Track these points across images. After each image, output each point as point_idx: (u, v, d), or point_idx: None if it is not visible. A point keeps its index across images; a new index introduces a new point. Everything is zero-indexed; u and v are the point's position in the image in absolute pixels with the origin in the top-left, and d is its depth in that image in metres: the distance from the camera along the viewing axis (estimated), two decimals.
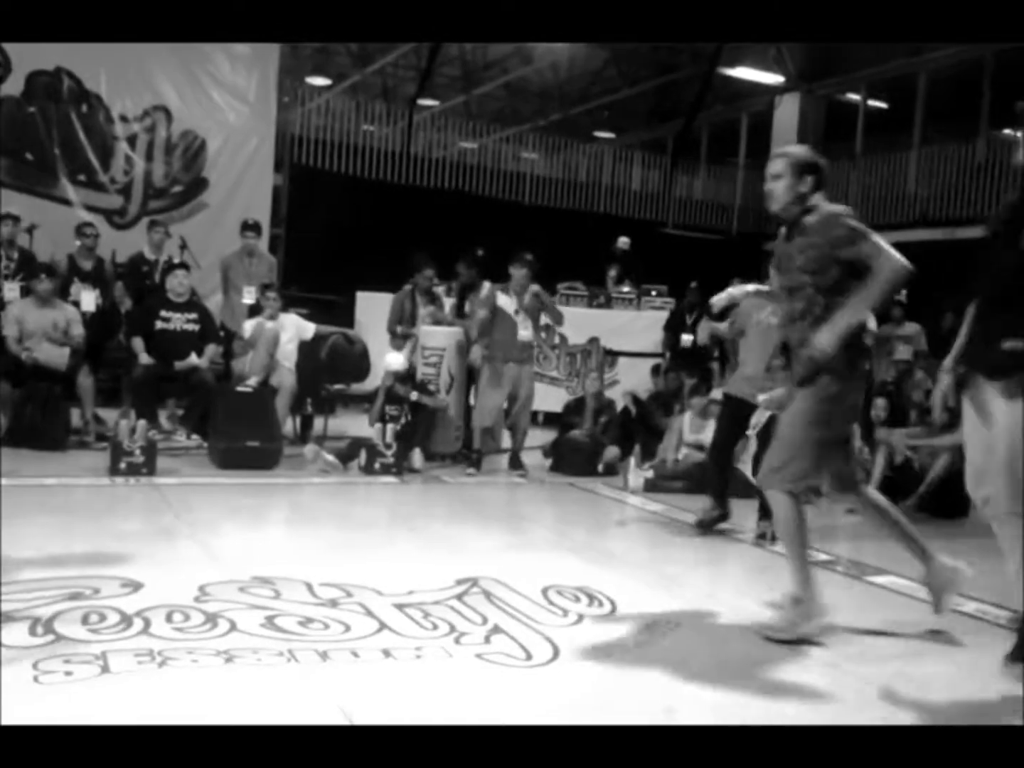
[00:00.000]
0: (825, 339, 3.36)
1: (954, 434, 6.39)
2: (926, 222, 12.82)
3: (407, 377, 6.89)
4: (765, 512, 5.29)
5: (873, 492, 3.86)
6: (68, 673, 2.66)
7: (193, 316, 7.22)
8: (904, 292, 9.84)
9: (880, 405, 7.01)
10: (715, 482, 5.62)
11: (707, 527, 5.44)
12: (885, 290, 3.40)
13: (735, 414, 5.57)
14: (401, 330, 7.52)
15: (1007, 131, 12.71)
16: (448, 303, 8.50)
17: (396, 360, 6.94)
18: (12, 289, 7.15)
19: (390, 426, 6.52)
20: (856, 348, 3.50)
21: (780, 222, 3.65)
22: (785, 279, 3.58)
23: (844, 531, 6.09)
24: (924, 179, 13.22)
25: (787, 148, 3.71)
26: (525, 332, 6.93)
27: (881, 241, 3.41)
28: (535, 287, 6.97)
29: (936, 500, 6.22)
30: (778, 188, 3.53)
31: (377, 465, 6.37)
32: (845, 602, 4.13)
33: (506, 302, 6.94)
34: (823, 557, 4.87)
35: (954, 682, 3.18)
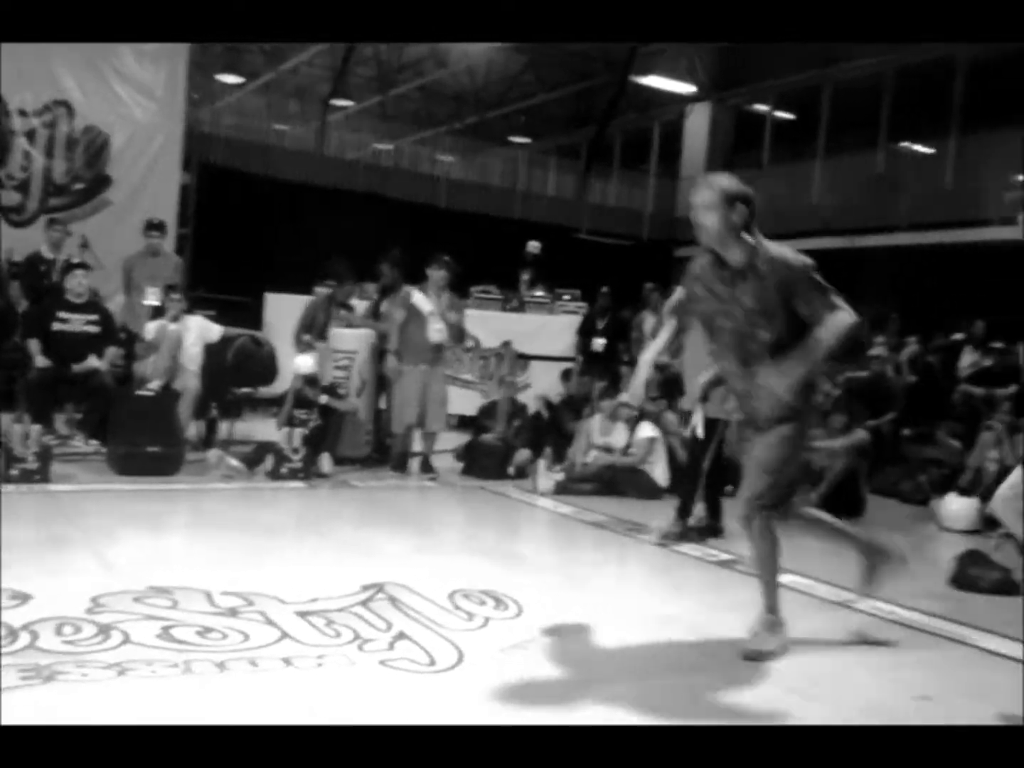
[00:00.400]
0: (784, 388, 3.26)
1: (851, 436, 6.63)
2: (829, 231, 13.24)
3: (316, 380, 6.80)
4: (682, 512, 5.42)
5: (807, 510, 3.79)
6: None
7: (93, 317, 6.98)
8: None
9: None
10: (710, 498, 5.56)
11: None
12: (837, 343, 3.26)
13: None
14: (307, 339, 7.40)
15: (905, 144, 13.25)
16: (362, 305, 8.44)
17: (306, 363, 6.84)
18: None
19: (298, 430, 6.42)
20: (812, 387, 3.50)
21: (713, 252, 3.40)
22: (732, 323, 3.36)
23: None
24: (827, 189, 13.65)
25: (713, 177, 3.42)
26: (438, 334, 6.91)
27: (835, 296, 3.33)
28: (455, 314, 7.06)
29: (834, 500, 6.42)
30: (710, 220, 3.30)
31: (284, 470, 6.26)
32: (746, 599, 4.25)
33: (422, 303, 6.92)
34: (725, 557, 4.99)
35: (842, 676, 3.29)
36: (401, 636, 3.31)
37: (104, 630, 3.09)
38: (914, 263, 11.48)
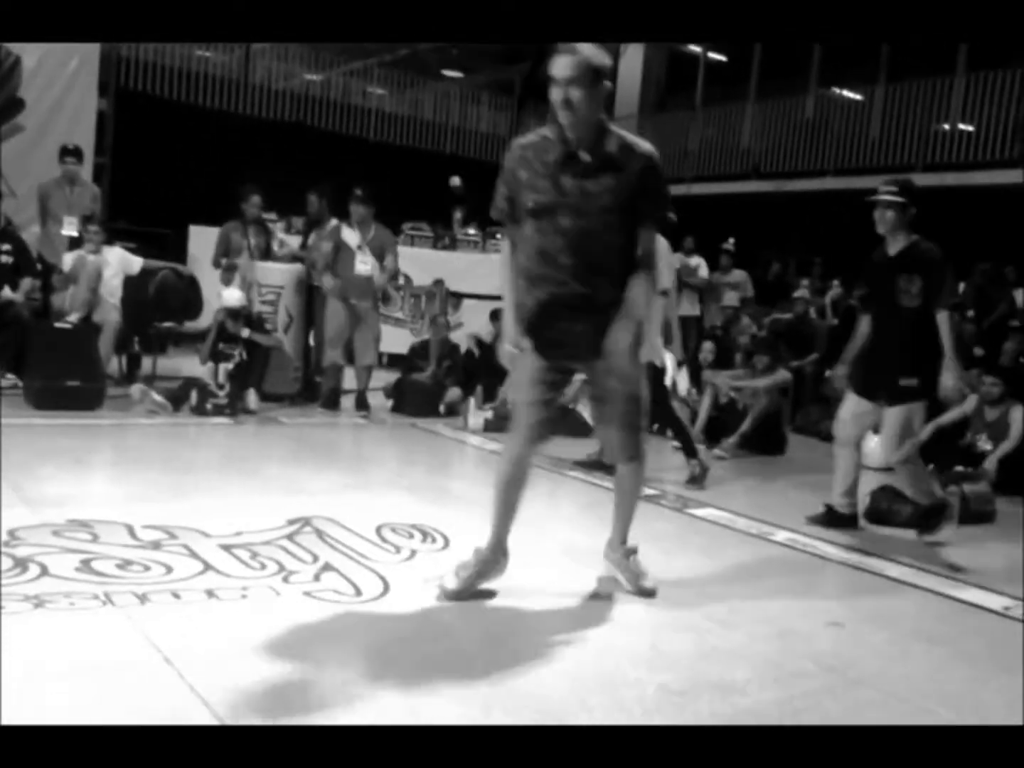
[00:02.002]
0: (654, 350, 3.23)
1: (773, 377, 6.77)
2: (758, 174, 13.35)
3: (241, 314, 6.66)
4: (690, 452, 5.54)
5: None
6: None
7: (6, 247, 6.74)
8: (732, 241, 10.29)
9: (707, 348, 7.32)
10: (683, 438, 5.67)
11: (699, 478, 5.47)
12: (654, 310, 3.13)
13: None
14: (225, 263, 7.22)
15: (834, 89, 13.35)
16: (292, 240, 8.27)
17: (232, 296, 6.69)
18: None
19: (223, 365, 6.31)
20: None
21: (566, 143, 2.93)
22: (579, 222, 2.92)
23: (674, 469, 6.37)
24: (758, 133, 13.73)
25: (580, 47, 2.84)
26: (364, 267, 6.82)
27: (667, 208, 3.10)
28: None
29: (756, 438, 6.58)
30: (578, 98, 2.81)
31: (209, 406, 6.16)
32: (669, 531, 4.36)
33: (349, 236, 6.83)
34: (649, 492, 5.09)
35: (759, 603, 3.40)
36: (327, 568, 3.32)
37: (21, 563, 3.03)
38: (840, 208, 11.66)
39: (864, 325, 4.67)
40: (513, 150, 3.03)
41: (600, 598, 3.32)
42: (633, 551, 3.43)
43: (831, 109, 13.02)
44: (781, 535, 4.40)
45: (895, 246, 4.47)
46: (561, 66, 2.84)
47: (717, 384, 6.88)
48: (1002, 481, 5.78)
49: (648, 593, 3.32)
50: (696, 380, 7.15)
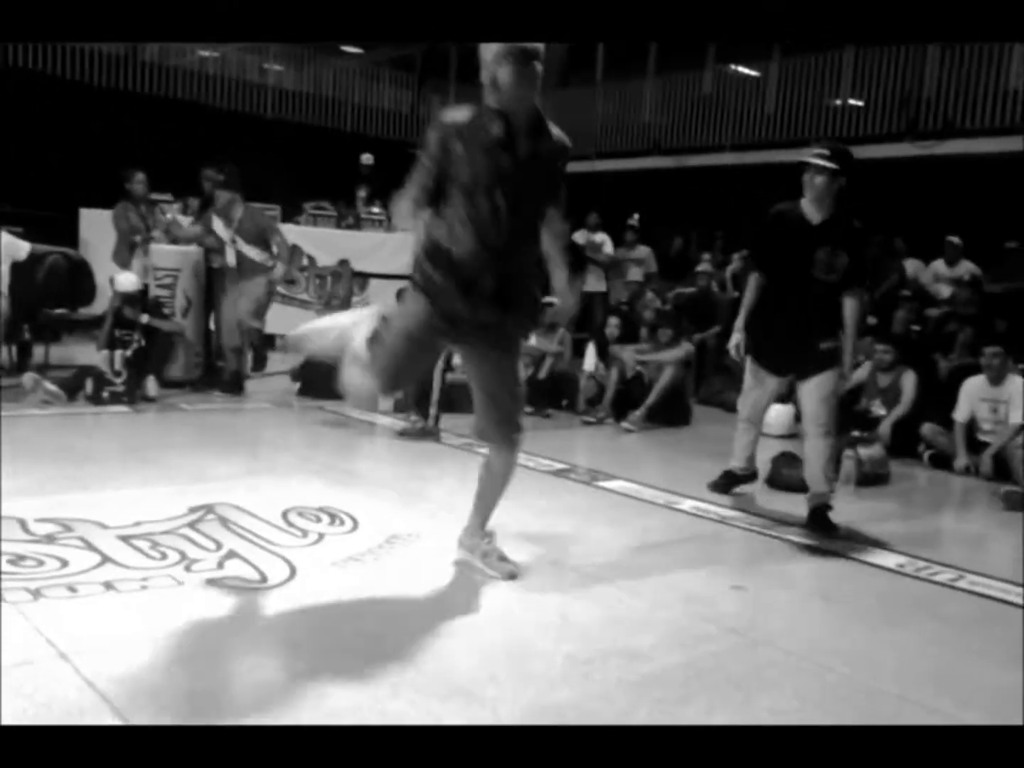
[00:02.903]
0: (571, 304, 3.29)
1: (677, 349, 6.90)
2: (659, 150, 13.52)
3: (137, 299, 6.45)
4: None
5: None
6: None
7: None
8: (636, 217, 10.41)
9: (614, 323, 7.41)
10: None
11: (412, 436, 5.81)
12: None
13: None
14: (140, 238, 7.01)
15: (731, 66, 13.57)
16: (186, 221, 8.04)
17: (128, 280, 6.47)
18: None
19: (119, 352, 6.11)
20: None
21: (507, 121, 2.86)
22: (512, 200, 2.87)
23: (581, 443, 6.45)
24: (657, 108, 13.88)
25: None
26: (231, 254, 6.74)
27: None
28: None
29: (662, 410, 6.71)
30: (538, 75, 2.84)
31: (106, 394, 5.97)
32: (578, 504, 4.41)
33: (219, 227, 6.74)
34: (559, 466, 5.14)
35: (664, 570, 3.48)
36: (231, 555, 3.26)
37: None
38: (738, 183, 11.90)
39: (754, 286, 4.42)
40: (444, 125, 2.88)
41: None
42: (491, 535, 3.35)
43: (728, 85, 13.24)
44: (687, 504, 4.50)
45: (818, 215, 4.18)
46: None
47: (623, 358, 6.97)
48: (896, 445, 6.02)
49: (512, 576, 3.22)
50: (603, 355, 7.23)
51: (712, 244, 11.09)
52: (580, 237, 10.26)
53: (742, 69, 13.56)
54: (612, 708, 2.33)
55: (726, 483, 4.79)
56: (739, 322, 4.54)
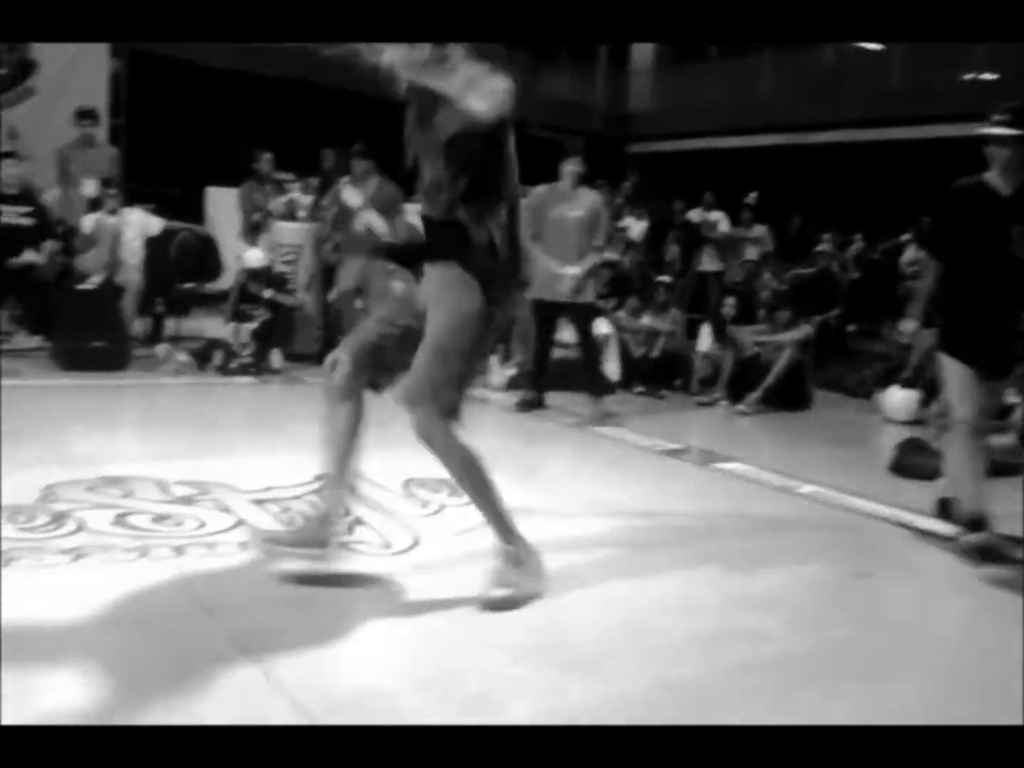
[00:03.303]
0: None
1: (796, 331, 6.73)
2: (776, 127, 13.16)
3: (262, 274, 6.67)
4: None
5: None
6: None
7: (27, 209, 6.74)
8: (754, 195, 10.18)
9: (730, 303, 7.27)
10: (533, 373, 6.15)
11: (526, 408, 5.95)
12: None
13: (547, 318, 5.97)
14: (257, 217, 7.25)
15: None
16: (306, 200, 8.24)
17: (254, 256, 6.70)
18: None
19: (245, 325, 6.34)
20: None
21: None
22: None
23: (695, 424, 6.38)
24: (774, 85, 13.52)
25: None
26: (362, 226, 6.82)
27: None
28: None
29: (780, 393, 6.57)
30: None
31: (234, 365, 6.20)
32: (693, 485, 4.38)
33: (351, 196, 6.82)
34: (673, 447, 5.11)
35: (785, 553, 3.42)
36: (358, 522, 3.35)
37: (58, 518, 3.08)
38: (860, 160, 11.52)
39: (933, 273, 3.84)
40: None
41: None
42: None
43: (850, 59, 12.79)
44: (807, 488, 4.40)
45: (1009, 186, 3.63)
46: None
47: (740, 339, 6.85)
48: None
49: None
50: (719, 335, 7.12)
51: (833, 224, 10.74)
52: (695, 215, 10.10)
53: (865, 44, 13.07)
54: (735, 689, 2.32)
55: (942, 513, 3.99)
56: (914, 310, 4.03)
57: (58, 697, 2.00)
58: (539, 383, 6.08)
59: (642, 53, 15.92)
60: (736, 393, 6.64)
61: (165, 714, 1.95)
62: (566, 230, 5.82)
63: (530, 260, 5.50)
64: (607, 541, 3.42)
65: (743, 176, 11.62)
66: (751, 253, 9.83)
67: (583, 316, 6.00)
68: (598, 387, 5.99)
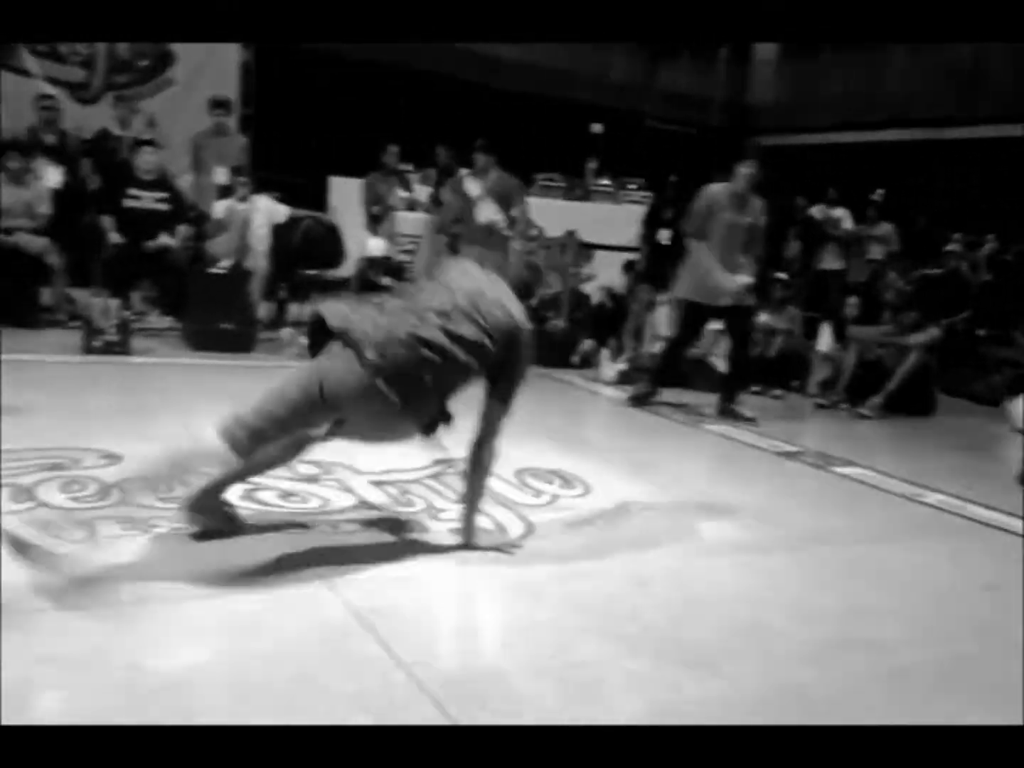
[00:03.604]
0: None
1: (922, 334, 6.50)
2: (906, 121, 12.68)
3: (381, 263, 6.82)
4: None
5: None
6: (54, 537, 2.69)
7: (163, 195, 7.05)
8: (880, 192, 9.84)
9: (852, 303, 7.07)
10: (659, 369, 6.03)
11: (639, 402, 5.88)
12: None
13: (698, 320, 5.85)
14: (376, 210, 7.43)
15: None
16: (425, 191, 8.39)
17: (375, 245, 6.86)
18: None
19: None
20: None
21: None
22: None
23: (812, 426, 6.24)
24: (904, 77, 13.00)
25: None
26: (483, 216, 6.89)
27: None
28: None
29: (903, 397, 6.35)
30: None
31: None
32: (811, 488, 4.28)
33: (472, 187, 6.92)
34: (790, 448, 5.00)
35: (910, 564, 3.32)
36: None
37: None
38: (996, 158, 11.00)
39: None
40: None
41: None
42: None
43: (988, 52, 12.20)
44: (932, 497, 4.25)
45: None
46: None
47: (863, 340, 6.64)
48: None
49: None
50: (839, 336, 6.93)
51: (963, 223, 10.30)
52: (817, 212, 9.84)
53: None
54: (859, 699, 2.26)
55: None
56: None
57: (192, 657, 2.11)
58: (661, 379, 5.99)
59: (765, 44, 15.55)
60: (857, 396, 6.44)
61: (285, 683, 2.03)
62: (735, 235, 5.63)
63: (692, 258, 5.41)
64: (722, 541, 3.37)
65: (868, 172, 11.24)
66: (876, 252, 9.52)
67: (743, 319, 5.85)
68: (736, 388, 5.87)
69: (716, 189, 5.71)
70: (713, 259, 5.56)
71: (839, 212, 9.78)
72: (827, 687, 2.30)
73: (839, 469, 4.68)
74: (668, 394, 6.10)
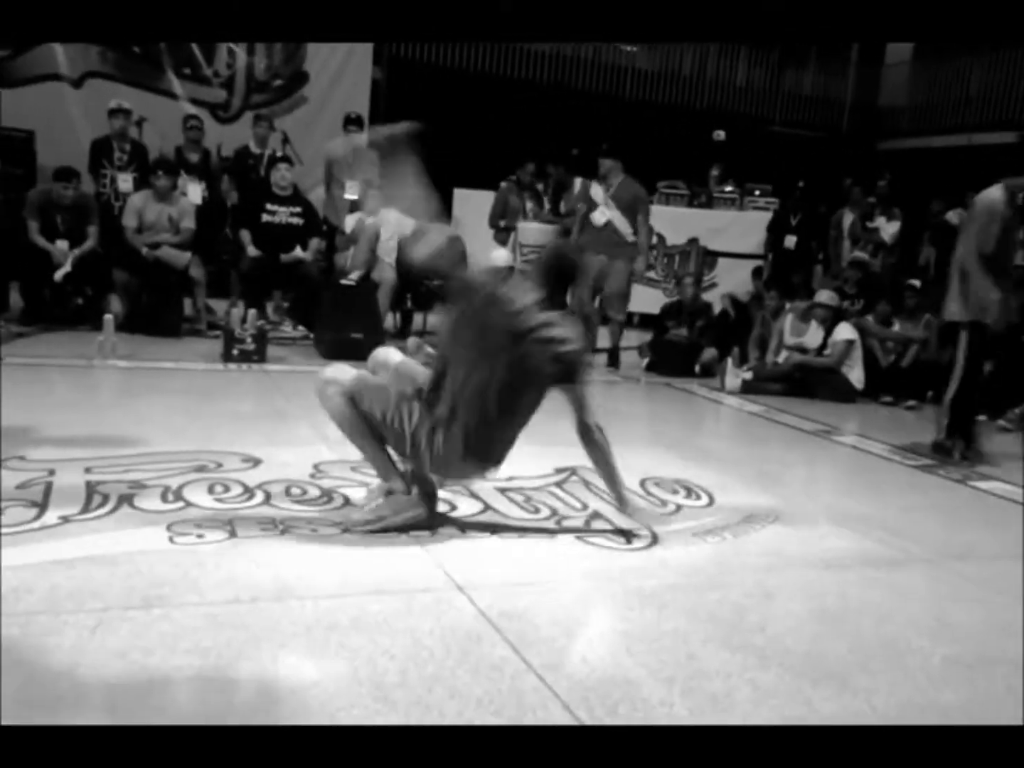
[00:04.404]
0: None
1: None
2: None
3: (503, 273, 6.91)
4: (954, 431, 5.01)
5: None
6: (200, 536, 2.85)
7: (297, 210, 7.34)
8: (1022, 196, 9.34)
9: None
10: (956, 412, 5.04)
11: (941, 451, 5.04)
12: None
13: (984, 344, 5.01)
14: (504, 223, 7.55)
15: None
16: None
17: (501, 256, 6.95)
18: (126, 180, 7.38)
19: None
20: None
21: None
22: None
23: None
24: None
25: None
26: (602, 217, 6.89)
27: None
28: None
29: None
30: None
31: None
32: (949, 502, 4.12)
33: (597, 193, 6.94)
34: (924, 461, 4.82)
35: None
36: (596, 516, 3.43)
37: (327, 493, 3.36)
38: None
39: None
40: None
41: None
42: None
43: None
44: None
45: None
46: None
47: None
48: None
49: None
50: None
51: None
52: (953, 216, 9.43)
53: None
54: (1001, 718, 2.18)
55: None
56: None
57: (326, 655, 2.20)
58: (970, 427, 5.08)
59: (897, 45, 15.04)
60: (997, 407, 6.16)
61: (418, 683, 2.09)
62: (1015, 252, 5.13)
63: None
64: (854, 554, 3.29)
65: (1006, 173, 10.70)
66: (1019, 258, 9.05)
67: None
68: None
69: (994, 196, 4.98)
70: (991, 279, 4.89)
71: None
72: (966, 706, 2.22)
73: (978, 483, 4.49)
74: (794, 404, 5.98)
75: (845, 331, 6.63)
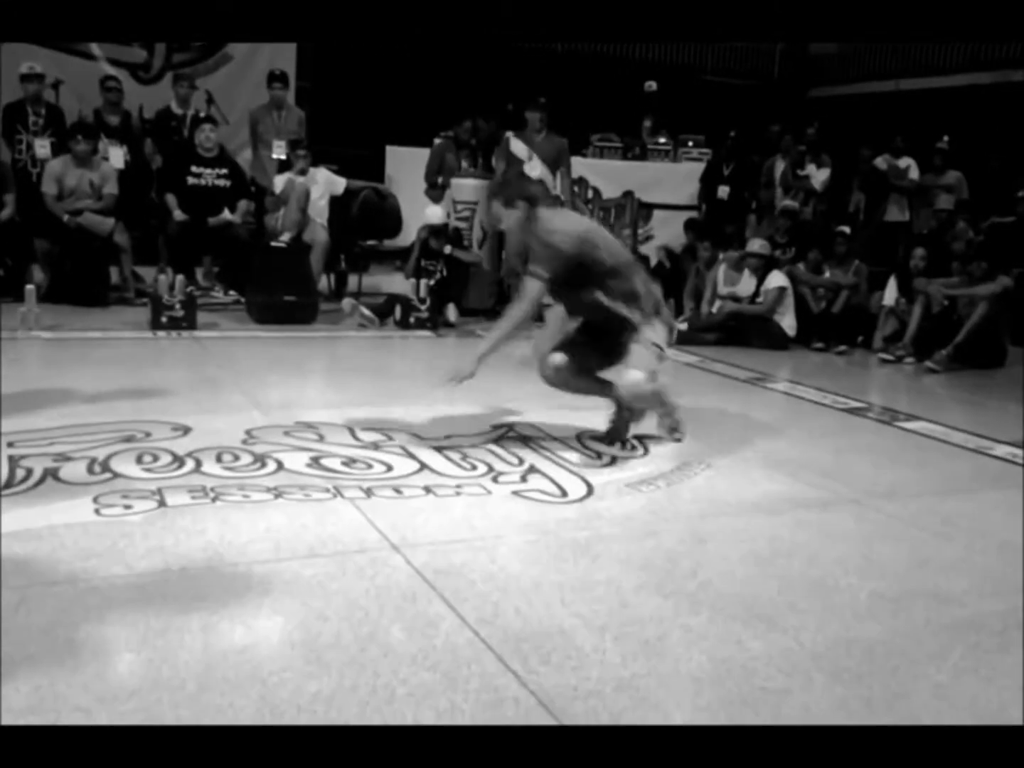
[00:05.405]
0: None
1: (993, 284, 6.31)
2: (977, 64, 12.21)
3: (442, 231, 6.85)
4: None
5: None
6: (127, 507, 2.80)
7: (224, 171, 7.17)
8: (946, 139, 9.52)
9: (919, 255, 6.87)
10: None
11: None
12: None
13: None
14: (440, 180, 7.46)
15: None
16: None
17: (436, 213, 6.89)
18: (43, 146, 7.10)
19: (424, 281, 6.54)
20: None
21: None
22: None
23: (878, 381, 6.14)
24: None
25: None
26: (533, 172, 6.86)
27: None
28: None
29: (972, 349, 6.20)
30: None
31: (412, 319, 6.43)
32: (877, 444, 4.23)
33: (518, 148, 6.93)
34: (854, 404, 4.93)
35: (976, 516, 3.27)
36: (532, 470, 3.45)
37: (260, 459, 3.33)
38: None
39: None
40: None
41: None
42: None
43: None
44: (1000, 449, 4.17)
45: None
46: None
47: (930, 292, 6.48)
48: None
49: None
50: (906, 289, 6.76)
51: None
52: (882, 162, 9.56)
53: None
54: (922, 649, 2.26)
55: None
56: None
57: (261, 620, 2.19)
58: None
59: None
60: (924, 350, 6.30)
61: (353, 643, 2.09)
62: None
63: None
64: (786, 497, 3.36)
65: (935, 119, 10.87)
66: (943, 201, 9.23)
67: None
68: None
69: None
70: None
71: (905, 161, 9.49)
72: (890, 639, 2.29)
73: (905, 424, 4.61)
74: (729, 353, 6.05)
75: (777, 279, 6.71)
